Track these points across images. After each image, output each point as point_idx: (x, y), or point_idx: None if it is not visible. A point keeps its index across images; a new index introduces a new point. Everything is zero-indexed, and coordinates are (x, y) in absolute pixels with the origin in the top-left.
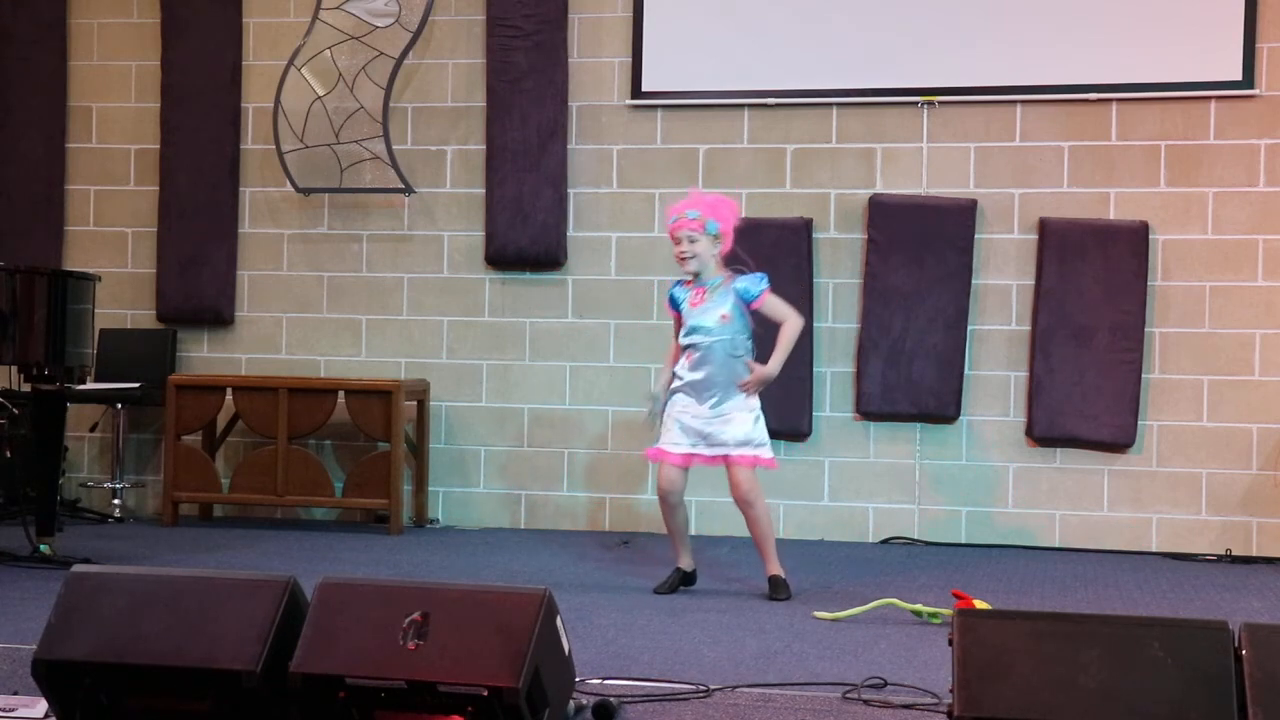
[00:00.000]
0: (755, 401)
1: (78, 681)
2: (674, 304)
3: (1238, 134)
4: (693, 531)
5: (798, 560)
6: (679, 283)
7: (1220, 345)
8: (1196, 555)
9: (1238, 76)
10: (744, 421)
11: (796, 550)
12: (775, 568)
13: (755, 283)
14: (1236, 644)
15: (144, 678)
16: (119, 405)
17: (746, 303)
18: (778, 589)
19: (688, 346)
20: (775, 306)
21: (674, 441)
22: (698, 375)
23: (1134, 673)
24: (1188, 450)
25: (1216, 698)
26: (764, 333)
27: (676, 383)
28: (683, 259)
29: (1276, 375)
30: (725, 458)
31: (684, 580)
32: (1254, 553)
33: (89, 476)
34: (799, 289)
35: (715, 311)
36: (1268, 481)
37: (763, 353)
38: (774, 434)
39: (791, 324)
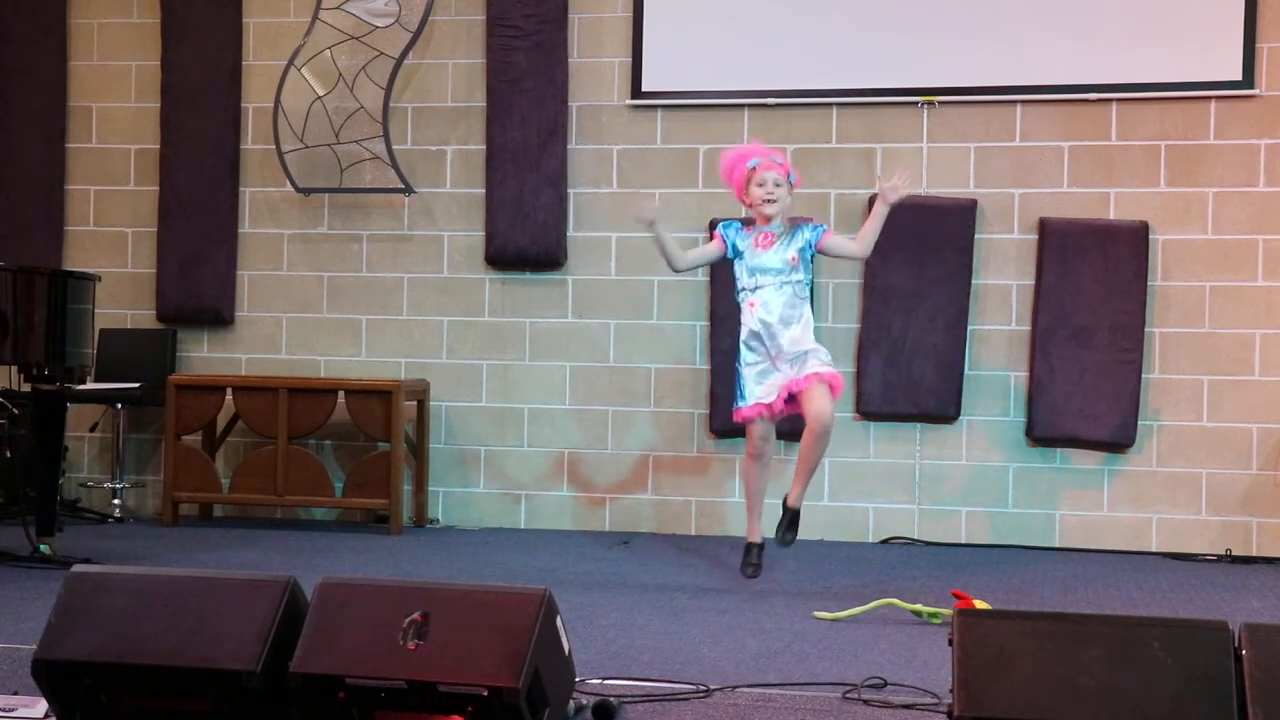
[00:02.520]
0: (820, 345)
1: (78, 681)
2: (727, 240)
3: (1238, 134)
4: (691, 532)
5: (798, 560)
6: (732, 223)
7: (1220, 345)
8: (1196, 555)
9: (1238, 76)
10: (813, 357)
11: (796, 550)
12: (799, 498)
13: (816, 227)
14: (1236, 644)
15: (144, 678)
16: (119, 405)
17: (815, 244)
18: (789, 528)
19: (753, 290)
20: (839, 242)
21: (757, 397)
22: (768, 318)
23: (1134, 673)
24: (1188, 450)
25: (1216, 698)
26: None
27: (744, 335)
28: (768, 200)
29: (1277, 375)
30: (816, 376)
31: (761, 552)
32: (1254, 553)
33: (89, 476)
34: None
35: (786, 253)
36: (1268, 481)
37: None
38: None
39: (859, 235)
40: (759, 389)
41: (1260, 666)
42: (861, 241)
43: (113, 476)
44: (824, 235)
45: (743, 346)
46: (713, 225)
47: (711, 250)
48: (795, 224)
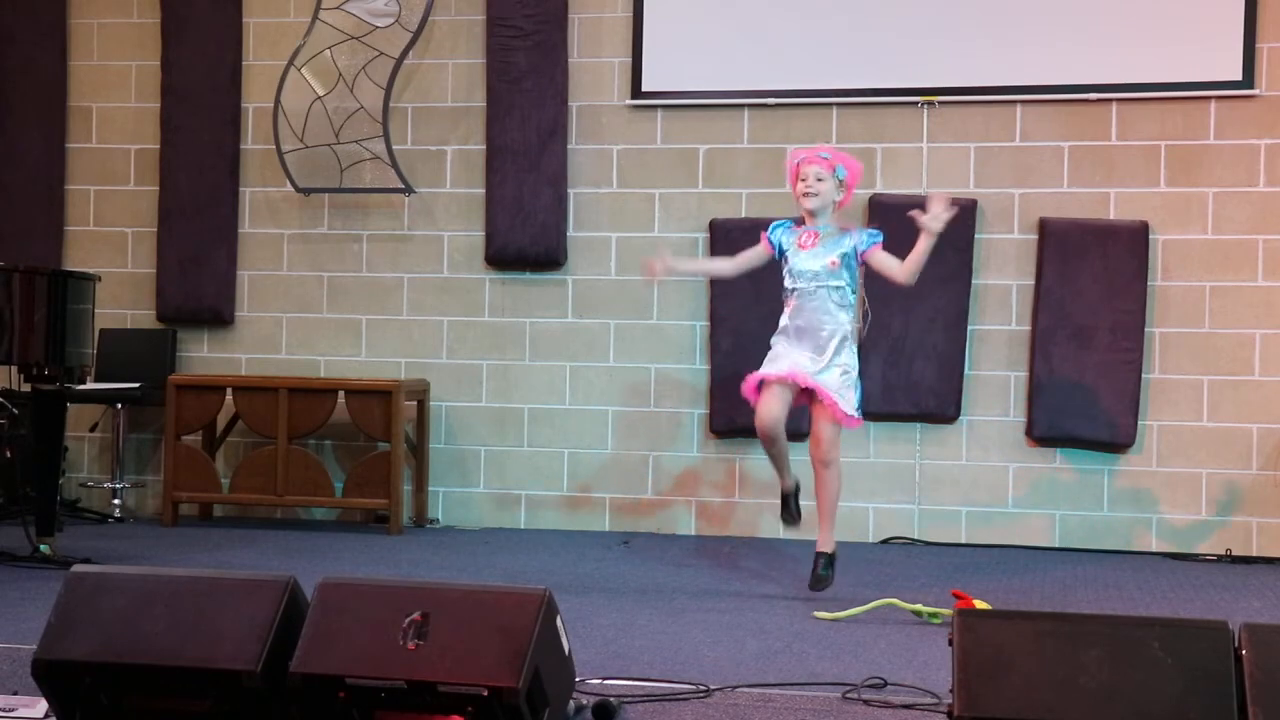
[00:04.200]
0: (853, 361)
1: (77, 681)
2: (774, 240)
3: (1237, 134)
4: (691, 533)
5: (799, 560)
6: (784, 223)
7: (1220, 345)
8: (1196, 555)
9: (1238, 76)
10: (838, 373)
11: (797, 550)
12: (830, 542)
13: (873, 235)
14: (1236, 644)
15: (144, 678)
16: (119, 405)
17: (861, 253)
18: (820, 579)
19: (791, 291)
20: (885, 260)
21: (764, 371)
22: (799, 322)
23: (1134, 673)
24: (1188, 450)
25: (1216, 698)
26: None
27: (779, 330)
28: (806, 194)
29: (1276, 375)
30: (817, 391)
31: (797, 493)
32: (1254, 553)
33: (89, 476)
34: None
35: (826, 257)
36: (1268, 481)
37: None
38: None
39: (905, 262)
40: (769, 365)
41: (1260, 667)
42: (906, 271)
43: (113, 476)
44: (873, 247)
45: (777, 336)
46: (712, 225)
47: (758, 254)
48: (847, 229)
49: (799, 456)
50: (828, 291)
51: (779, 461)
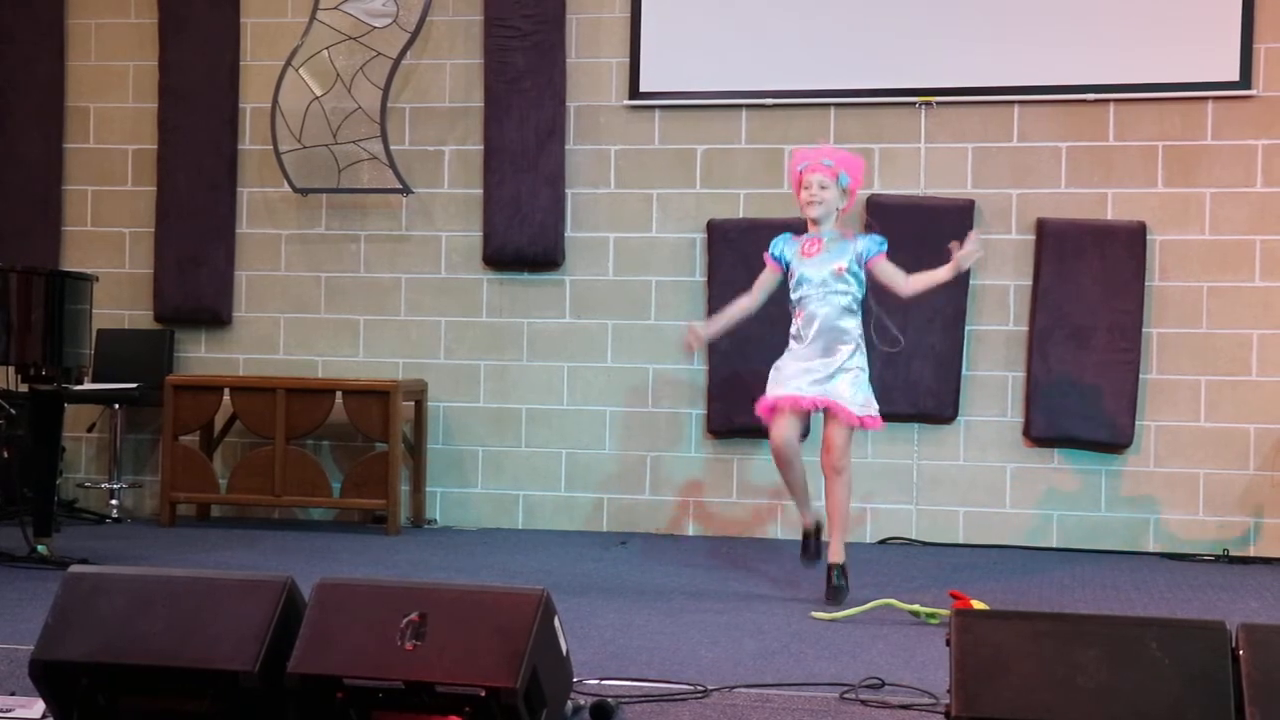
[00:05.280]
0: (864, 363)
1: (75, 682)
2: (777, 256)
3: (1235, 134)
4: (689, 533)
5: (795, 562)
6: (782, 236)
7: (1218, 345)
8: (1194, 556)
9: (1235, 77)
10: (848, 379)
11: (794, 552)
12: (840, 553)
13: (877, 242)
14: (1234, 644)
15: (141, 678)
16: (116, 405)
17: (866, 260)
18: (836, 589)
19: (797, 300)
20: (889, 269)
21: (774, 394)
22: (809, 330)
23: (1131, 673)
24: (1185, 450)
25: (1214, 698)
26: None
27: (790, 340)
28: (810, 203)
29: (1274, 375)
30: (827, 402)
31: (818, 533)
32: (1251, 553)
33: (86, 477)
34: None
35: (831, 264)
36: (1265, 482)
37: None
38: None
39: (914, 278)
40: (776, 387)
41: (1257, 667)
42: (911, 287)
43: (110, 477)
44: (878, 255)
45: (787, 350)
46: (710, 226)
47: (770, 278)
48: (850, 234)
49: (809, 457)
50: (836, 297)
51: (797, 491)
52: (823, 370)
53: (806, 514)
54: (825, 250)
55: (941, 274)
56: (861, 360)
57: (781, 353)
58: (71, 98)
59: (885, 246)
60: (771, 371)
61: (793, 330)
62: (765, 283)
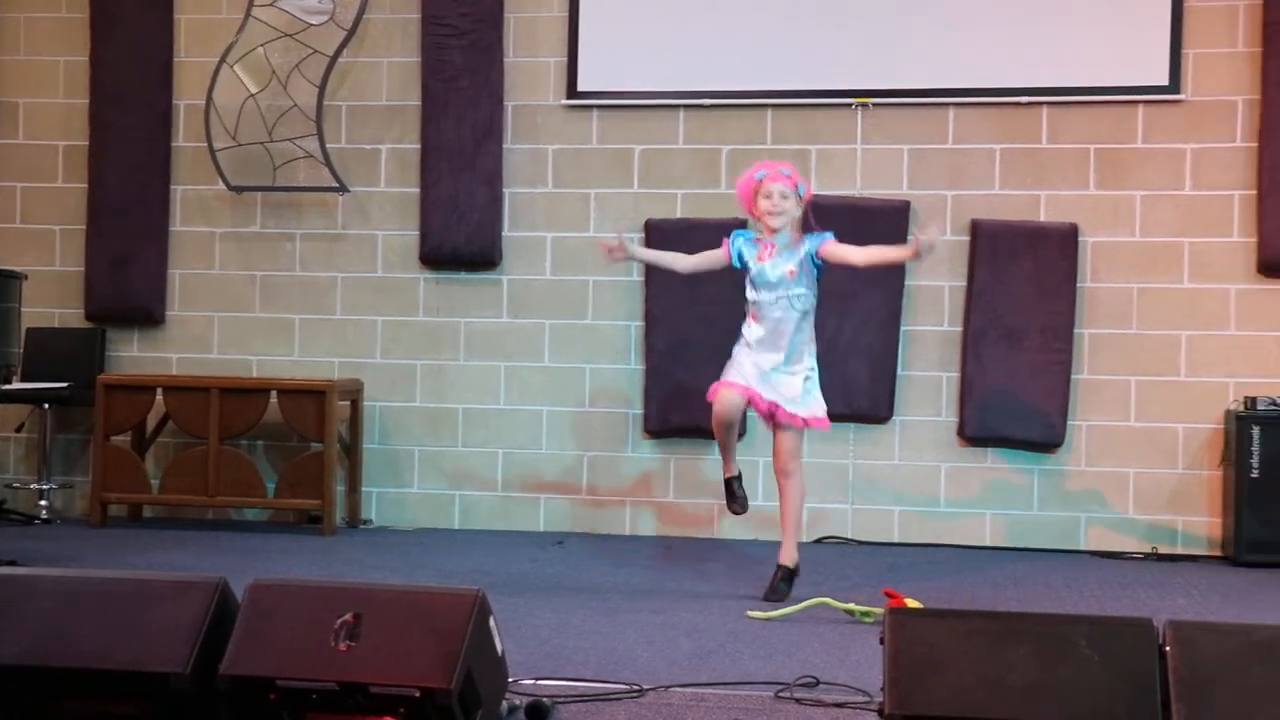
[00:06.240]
0: (814, 365)
1: (3, 686)
2: (735, 250)
3: (1165, 138)
4: (625, 533)
5: (732, 561)
6: (747, 234)
7: (1147, 346)
8: (1124, 554)
9: (1164, 81)
10: (798, 381)
11: (730, 550)
12: (791, 555)
13: (822, 235)
14: (1161, 641)
15: (71, 681)
16: (46, 405)
17: (814, 255)
18: (777, 588)
19: (753, 303)
20: (839, 249)
21: (727, 377)
22: (762, 331)
23: (1062, 670)
24: (1116, 450)
25: (1141, 694)
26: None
27: (744, 340)
28: (773, 213)
29: (1202, 376)
30: (777, 408)
31: (741, 483)
32: (1180, 551)
33: (15, 477)
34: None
35: (783, 266)
36: (1193, 481)
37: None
38: (707, 435)
39: (868, 249)
40: (730, 373)
41: (1184, 663)
42: (867, 257)
43: (39, 477)
44: (824, 242)
45: (745, 346)
46: (648, 226)
47: (715, 256)
48: (799, 241)
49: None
50: (789, 300)
51: (727, 449)
52: (775, 370)
53: (731, 465)
54: (779, 253)
55: (896, 252)
56: (812, 361)
57: (721, 356)
58: (1, 92)
59: (832, 235)
60: (728, 364)
61: (746, 330)
62: (709, 257)
